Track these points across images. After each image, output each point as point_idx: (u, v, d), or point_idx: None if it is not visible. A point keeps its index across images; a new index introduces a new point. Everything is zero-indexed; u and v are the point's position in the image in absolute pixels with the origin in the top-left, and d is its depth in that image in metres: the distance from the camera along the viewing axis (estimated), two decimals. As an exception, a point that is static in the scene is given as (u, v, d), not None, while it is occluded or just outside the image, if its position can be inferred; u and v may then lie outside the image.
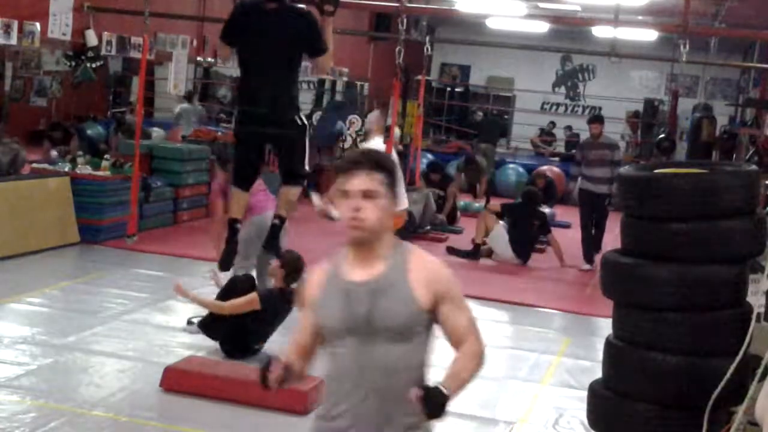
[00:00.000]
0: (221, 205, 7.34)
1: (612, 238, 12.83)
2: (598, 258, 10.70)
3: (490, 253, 11.59)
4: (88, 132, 14.21)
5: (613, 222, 14.51)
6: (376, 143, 8.29)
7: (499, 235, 11.54)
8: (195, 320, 7.37)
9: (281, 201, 6.54)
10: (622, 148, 22.95)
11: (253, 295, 6.59)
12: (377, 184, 2.83)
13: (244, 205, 6.64)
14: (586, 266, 11.32)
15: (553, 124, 24.50)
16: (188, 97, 15.72)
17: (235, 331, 6.62)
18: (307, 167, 6.45)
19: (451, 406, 2.86)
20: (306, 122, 6.42)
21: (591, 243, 11.44)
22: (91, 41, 13.77)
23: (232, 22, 6.29)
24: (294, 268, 6.62)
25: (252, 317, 6.57)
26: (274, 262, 6.77)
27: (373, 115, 8.73)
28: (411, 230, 12.36)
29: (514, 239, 11.45)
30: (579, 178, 11.54)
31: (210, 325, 6.75)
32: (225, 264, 6.69)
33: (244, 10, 6.27)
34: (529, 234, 11.60)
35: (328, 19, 6.13)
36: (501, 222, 11.67)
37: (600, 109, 26.07)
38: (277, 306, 6.63)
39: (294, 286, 6.59)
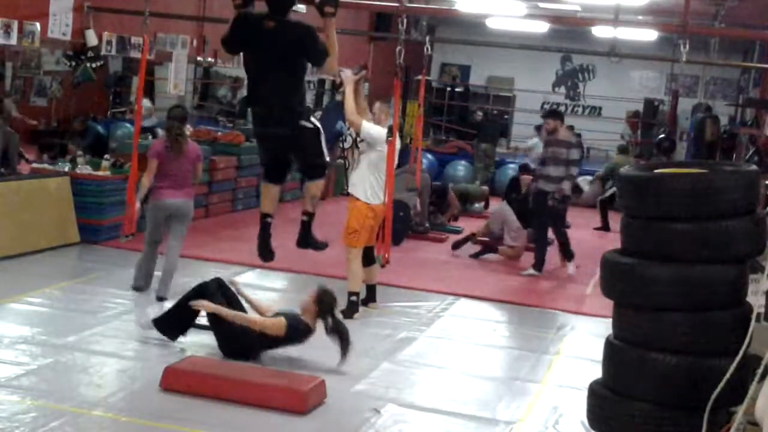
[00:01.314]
0: (153, 165, 8.02)
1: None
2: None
3: (492, 250, 11.65)
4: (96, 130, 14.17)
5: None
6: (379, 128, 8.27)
7: (502, 210, 11.89)
8: (195, 320, 7.36)
9: (307, 196, 6.61)
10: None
11: (283, 322, 6.54)
12: None
13: (274, 199, 6.73)
14: (530, 271, 10.80)
15: (553, 124, 24.51)
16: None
17: (241, 339, 6.61)
18: (327, 158, 6.55)
19: (452, 406, 2.83)
20: (317, 124, 6.44)
21: (544, 247, 10.93)
22: (91, 41, 13.78)
23: (233, 35, 6.26)
24: (329, 308, 6.65)
25: (264, 336, 6.59)
26: (309, 297, 6.67)
27: (379, 106, 8.65)
28: (410, 227, 12.38)
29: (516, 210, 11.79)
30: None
31: (214, 324, 6.73)
32: (262, 255, 6.75)
33: (244, 25, 6.22)
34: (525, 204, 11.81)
35: (330, 21, 6.10)
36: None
37: (600, 109, 26.12)
38: (296, 337, 6.64)
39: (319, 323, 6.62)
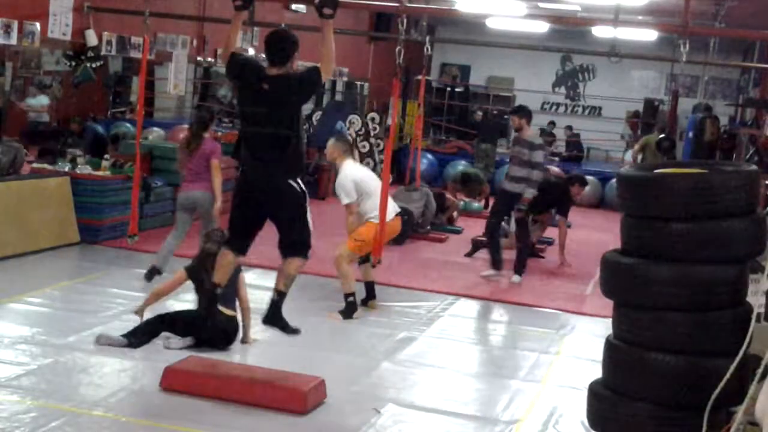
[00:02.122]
0: (180, 158, 9.05)
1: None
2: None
3: (484, 246, 11.75)
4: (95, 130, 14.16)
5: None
6: (350, 167, 8.31)
7: None
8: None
9: (282, 274, 6.05)
10: (622, 148, 23.08)
11: (180, 270, 6.99)
12: None
13: (229, 271, 6.22)
14: (490, 272, 10.40)
15: (552, 123, 24.51)
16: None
17: (196, 318, 6.75)
18: (310, 238, 6.04)
19: (452, 406, 2.82)
20: (304, 189, 6.06)
21: (497, 248, 10.45)
22: (91, 41, 13.77)
23: (234, 73, 6.16)
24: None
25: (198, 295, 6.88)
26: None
27: (330, 145, 8.63)
28: (411, 228, 12.39)
29: None
30: None
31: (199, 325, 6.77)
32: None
33: (242, 74, 6.07)
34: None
35: (328, 22, 6.08)
36: None
37: (600, 109, 26.11)
38: (199, 272, 6.80)
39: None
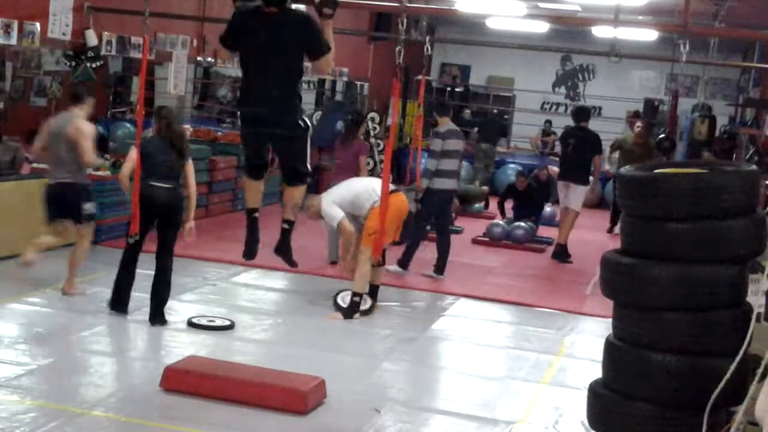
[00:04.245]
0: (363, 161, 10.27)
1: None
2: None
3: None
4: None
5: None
6: (325, 200, 8.46)
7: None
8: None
9: (287, 204, 6.43)
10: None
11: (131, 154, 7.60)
12: None
13: (259, 195, 6.62)
14: (394, 267, 10.05)
15: (549, 123, 24.49)
16: None
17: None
18: (309, 166, 6.44)
19: (452, 406, 2.82)
20: (308, 124, 6.36)
21: (413, 247, 10.20)
22: (91, 41, 13.76)
23: (232, 28, 6.26)
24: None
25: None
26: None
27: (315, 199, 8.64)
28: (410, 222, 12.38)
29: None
30: None
31: None
32: (248, 254, 6.56)
33: (243, 16, 6.23)
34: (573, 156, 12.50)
35: (328, 22, 6.10)
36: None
37: (600, 109, 26.11)
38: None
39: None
